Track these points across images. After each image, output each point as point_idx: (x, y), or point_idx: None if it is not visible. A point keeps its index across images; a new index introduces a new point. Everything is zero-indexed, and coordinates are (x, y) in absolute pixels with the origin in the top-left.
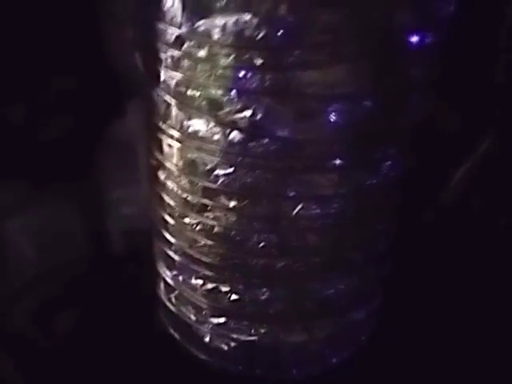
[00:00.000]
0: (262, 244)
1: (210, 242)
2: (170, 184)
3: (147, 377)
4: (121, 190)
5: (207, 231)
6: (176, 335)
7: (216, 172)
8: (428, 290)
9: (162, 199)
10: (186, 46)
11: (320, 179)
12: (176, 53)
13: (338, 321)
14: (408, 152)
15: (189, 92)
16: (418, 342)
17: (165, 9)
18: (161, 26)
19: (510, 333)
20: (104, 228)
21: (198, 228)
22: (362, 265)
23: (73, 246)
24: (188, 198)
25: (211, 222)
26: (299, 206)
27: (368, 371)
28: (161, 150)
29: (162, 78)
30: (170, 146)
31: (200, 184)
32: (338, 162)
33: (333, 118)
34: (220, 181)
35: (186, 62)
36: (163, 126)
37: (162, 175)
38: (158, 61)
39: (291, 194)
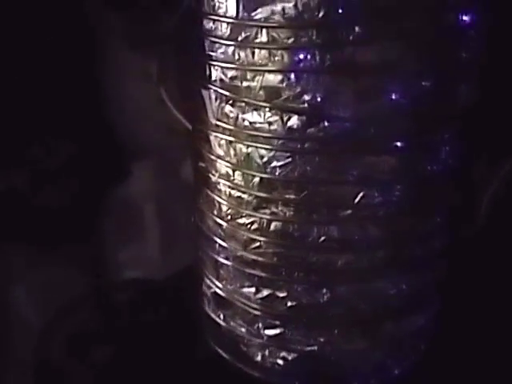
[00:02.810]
0: (322, 238)
1: (266, 240)
2: (222, 185)
3: None
4: (125, 252)
5: (263, 229)
6: (225, 355)
7: (273, 164)
8: (488, 297)
9: (212, 203)
10: (242, 36)
11: (381, 163)
12: (231, 46)
13: (399, 326)
14: (464, 139)
15: (244, 84)
16: (477, 352)
17: (215, 2)
18: (210, 22)
19: None
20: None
21: (253, 227)
22: (422, 263)
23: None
24: (243, 196)
25: (268, 218)
26: (360, 194)
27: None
28: (211, 151)
29: (214, 76)
30: (222, 144)
31: (256, 179)
32: (398, 144)
33: (393, 97)
34: (277, 172)
35: (241, 53)
36: (215, 124)
37: (212, 177)
38: (207, 60)
39: (352, 181)
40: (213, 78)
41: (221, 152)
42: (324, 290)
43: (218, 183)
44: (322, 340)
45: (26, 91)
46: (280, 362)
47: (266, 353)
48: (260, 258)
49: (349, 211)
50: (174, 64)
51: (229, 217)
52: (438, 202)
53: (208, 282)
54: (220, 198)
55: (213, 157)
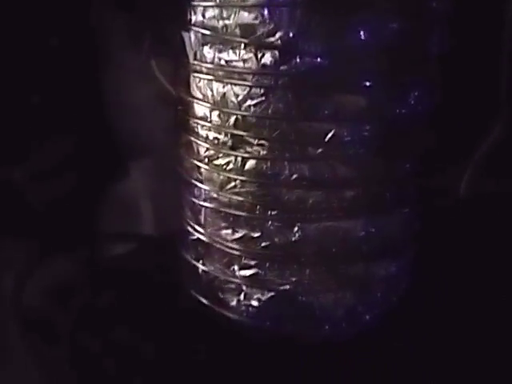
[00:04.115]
0: (293, 176)
1: (241, 179)
2: (200, 128)
3: (177, 344)
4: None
5: (238, 169)
6: (205, 301)
7: (247, 102)
8: (462, 254)
9: (191, 146)
10: None
11: (350, 102)
12: None
13: (369, 270)
14: (434, 87)
15: (221, 23)
16: (450, 308)
17: None
18: None
19: None
20: None
21: (229, 167)
22: (391, 208)
23: None
24: (219, 137)
25: (243, 157)
26: (331, 133)
27: (399, 332)
28: (190, 94)
29: (194, 19)
30: (200, 86)
31: (232, 118)
32: (367, 83)
33: (362, 35)
34: (252, 110)
35: None
36: (194, 65)
37: (191, 121)
38: (188, 2)
39: (323, 118)
40: (193, 21)
41: (199, 94)
42: (295, 229)
43: (196, 126)
44: (294, 280)
45: (25, 88)
46: (254, 303)
47: (241, 297)
48: (235, 198)
49: (319, 149)
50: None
51: (206, 159)
52: (405, 147)
53: (188, 227)
54: (198, 140)
55: (192, 99)
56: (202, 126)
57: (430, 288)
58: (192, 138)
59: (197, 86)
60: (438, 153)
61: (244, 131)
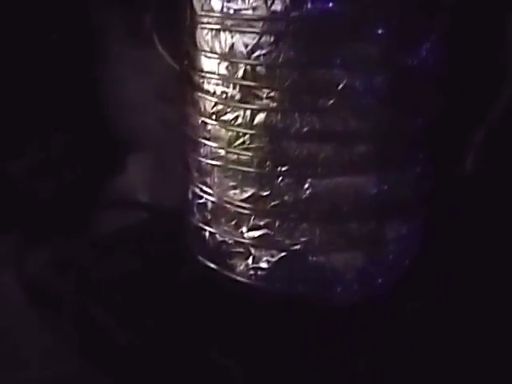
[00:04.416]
0: (305, 129)
1: (251, 132)
2: (206, 83)
3: (184, 312)
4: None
5: (247, 123)
6: (212, 265)
7: (257, 52)
8: (474, 223)
9: (197, 103)
10: None
11: (362, 50)
12: None
13: (380, 229)
14: (445, 42)
15: None
16: (460, 276)
17: None
18: None
19: None
20: None
21: (237, 122)
22: (403, 164)
23: None
24: (227, 91)
25: (252, 110)
26: (343, 83)
27: (411, 296)
28: (196, 47)
29: None
30: (207, 38)
31: (240, 70)
32: (380, 31)
33: None
34: (262, 60)
35: None
36: (201, 16)
37: (197, 76)
38: None
39: (335, 66)
40: None
41: (206, 46)
42: (306, 185)
43: (203, 81)
44: (304, 239)
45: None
46: (264, 265)
47: (250, 260)
48: (244, 154)
49: (331, 101)
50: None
51: (214, 115)
52: (417, 101)
53: (196, 189)
54: (205, 96)
55: (198, 53)
56: (210, 80)
57: (440, 256)
58: (199, 94)
59: (203, 39)
60: (447, 117)
61: (253, 82)
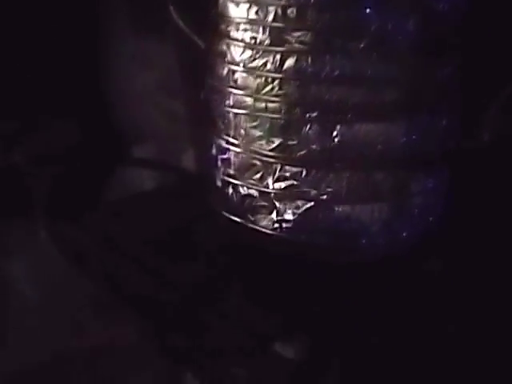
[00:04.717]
0: (335, 73)
1: (280, 78)
2: (234, 30)
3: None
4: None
5: (277, 69)
6: (236, 219)
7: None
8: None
9: (224, 52)
10: None
11: None
12: None
13: (406, 180)
14: None
15: None
16: (484, 243)
17: None
18: None
19: None
20: None
21: (266, 68)
22: (432, 115)
23: None
24: (256, 36)
25: (282, 54)
26: (375, 25)
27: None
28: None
29: None
30: None
31: (270, 13)
32: None
33: None
34: (292, 2)
35: None
36: None
37: (224, 24)
38: None
39: (366, 9)
40: None
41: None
42: (335, 133)
43: (232, 29)
44: (330, 190)
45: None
46: (288, 217)
47: (274, 215)
48: (273, 100)
49: (362, 43)
50: None
51: (241, 63)
52: (445, 50)
53: (220, 142)
54: (233, 42)
55: (226, 0)
56: (238, 26)
57: (463, 222)
58: (227, 41)
59: None
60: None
61: (284, 24)
